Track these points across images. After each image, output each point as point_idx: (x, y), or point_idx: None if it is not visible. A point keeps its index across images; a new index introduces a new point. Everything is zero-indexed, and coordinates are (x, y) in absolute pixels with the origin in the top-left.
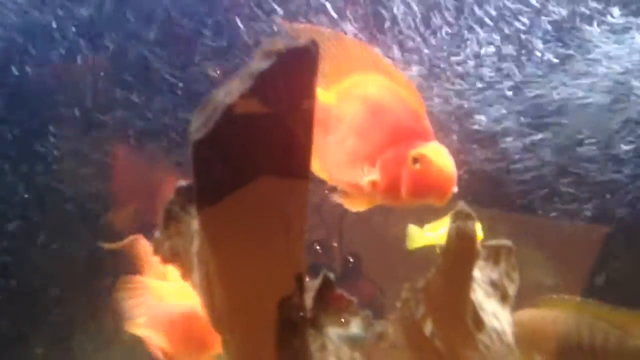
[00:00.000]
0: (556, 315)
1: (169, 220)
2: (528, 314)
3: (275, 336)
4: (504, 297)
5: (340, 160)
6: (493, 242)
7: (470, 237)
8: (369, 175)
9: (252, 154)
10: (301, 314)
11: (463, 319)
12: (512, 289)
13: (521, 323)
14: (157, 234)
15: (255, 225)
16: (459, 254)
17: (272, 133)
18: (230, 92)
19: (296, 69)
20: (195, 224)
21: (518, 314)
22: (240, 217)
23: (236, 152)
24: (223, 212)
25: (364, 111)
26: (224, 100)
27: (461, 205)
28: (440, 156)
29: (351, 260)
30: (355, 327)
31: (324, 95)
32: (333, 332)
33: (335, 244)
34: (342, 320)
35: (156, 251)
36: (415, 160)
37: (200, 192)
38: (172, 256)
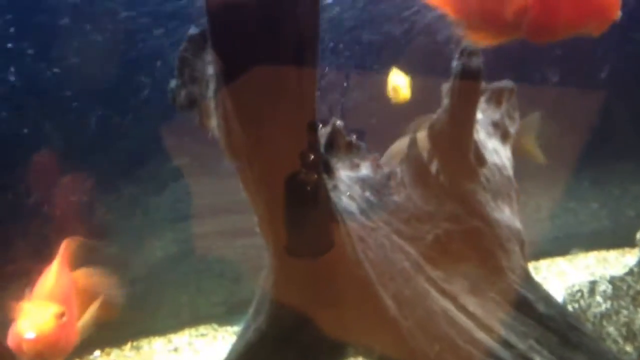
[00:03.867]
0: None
1: (182, 67)
2: (399, 140)
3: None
4: (504, 135)
5: None
6: (495, 83)
7: (474, 74)
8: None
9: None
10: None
11: (466, 156)
12: (512, 128)
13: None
14: (172, 82)
15: (270, 72)
16: (463, 92)
17: None
18: None
19: None
20: (209, 70)
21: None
22: (257, 66)
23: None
24: (240, 59)
25: None
26: None
27: (466, 43)
28: None
29: (355, 136)
30: (364, 169)
31: None
32: (344, 174)
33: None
34: (353, 163)
35: (173, 100)
36: None
37: (217, 38)
38: (189, 103)
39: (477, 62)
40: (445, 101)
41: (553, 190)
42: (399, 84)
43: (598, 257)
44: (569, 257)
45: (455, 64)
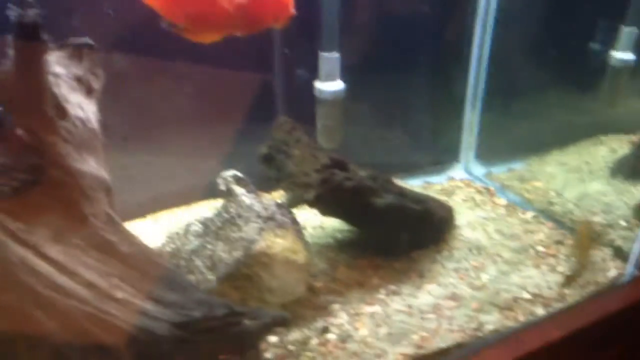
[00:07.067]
0: None
1: None
2: None
3: None
4: (89, 90)
5: None
6: (74, 39)
7: (31, 26)
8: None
9: None
10: None
11: (43, 109)
12: (96, 84)
13: None
14: None
15: None
16: (26, 45)
17: None
18: None
19: None
20: None
21: None
22: None
23: None
24: None
25: None
26: None
27: None
28: None
29: None
30: None
31: None
32: None
33: None
34: None
35: None
36: None
37: None
38: None
39: (31, 14)
40: (11, 53)
41: (172, 147)
42: None
43: (208, 206)
44: (184, 207)
45: (10, 14)
